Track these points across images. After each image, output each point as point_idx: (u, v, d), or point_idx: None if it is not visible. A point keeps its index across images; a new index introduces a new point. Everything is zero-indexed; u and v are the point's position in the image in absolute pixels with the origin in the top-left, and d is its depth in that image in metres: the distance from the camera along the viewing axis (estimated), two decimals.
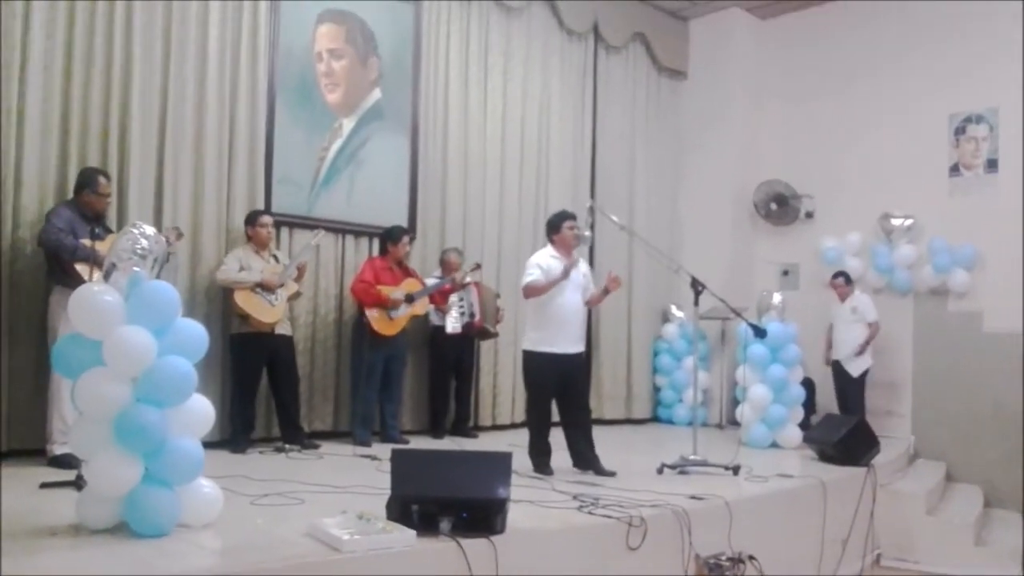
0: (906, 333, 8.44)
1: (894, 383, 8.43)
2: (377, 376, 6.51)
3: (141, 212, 5.67)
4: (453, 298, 6.99)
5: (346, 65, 7.09)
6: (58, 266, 4.90)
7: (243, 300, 5.85)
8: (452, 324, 6.94)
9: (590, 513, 4.06)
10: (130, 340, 3.23)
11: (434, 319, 7.11)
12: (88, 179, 5.12)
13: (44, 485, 4.15)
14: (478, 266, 7.19)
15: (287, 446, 5.95)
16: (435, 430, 7.13)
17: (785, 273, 9.44)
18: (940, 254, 8.10)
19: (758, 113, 9.76)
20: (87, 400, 3.25)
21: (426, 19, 7.57)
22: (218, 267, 5.99)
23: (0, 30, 5.11)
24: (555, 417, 5.56)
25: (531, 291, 5.36)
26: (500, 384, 7.88)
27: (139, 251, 3.38)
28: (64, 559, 2.98)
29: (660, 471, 5.47)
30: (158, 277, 3.51)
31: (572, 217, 5.59)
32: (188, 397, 3.38)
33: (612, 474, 5.23)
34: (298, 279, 6.21)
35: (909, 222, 8.41)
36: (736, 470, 5.52)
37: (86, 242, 4.76)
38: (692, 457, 5.61)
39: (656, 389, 9.41)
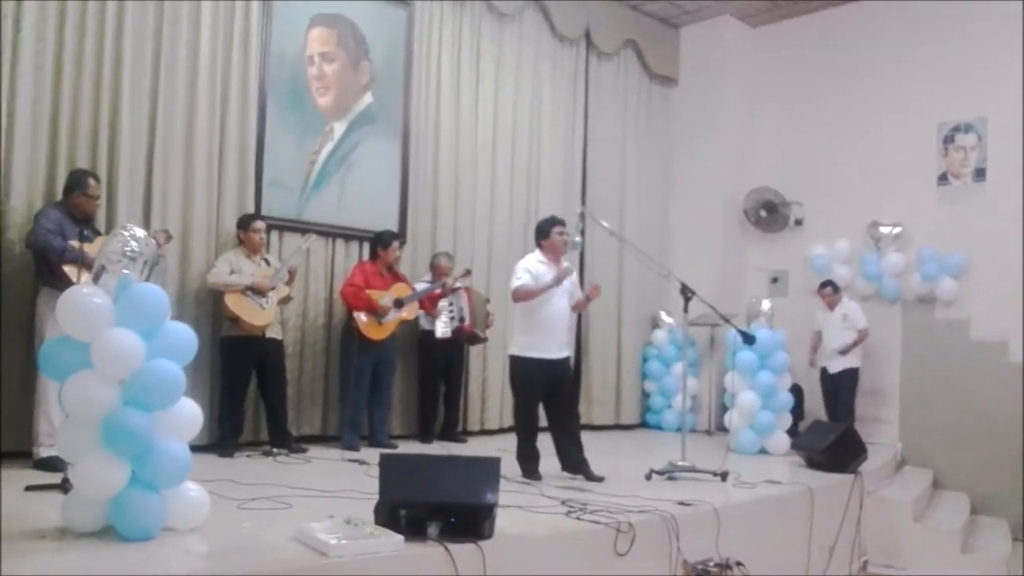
0: (894, 341, 8.48)
1: (881, 390, 8.47)
2: (366, 380, 6.50)
3: (130, 214, 5.66)
4: (443, 303, 6.98)
5: (338, 69, 7.08)
6: (46, 268, 4.88)
7: (234, 303, 5.84)
8: (442, 329, 6.94)
9: (578, 519, 4.06)
10: (118, 343, 3.22)
11: (424, 324, 7.10)
12: (77, 181, 5.10)
13: (30, 488, 4.13)
14: (468, 272, 7.20)
15: (275, 450, 5.93)
16: (424, 435, 7.12)
17: (774, 280, 9.48)
18: (928, 262, 8.14)
19: (749, 120, 9.80)
20: (74, 403, 3.24)
21: (418, 23, 7.58)
22: (208, 270, 5.97)
23: None
24: (543, 422, 5.57)
25: (521, 295, 5.36)
26: (489, 389, 7.88)
27: (129, 253, 3.37)
28: (50, 562, 2.96)
29: (648, 477, 5.50)
30: (148, 280, 3.50)
31: (561, 223, 5.60)
32: (176, 400, 3.37)
33: (601, 479, 5.24)
34: (289, 283, 6.20)
35: (897, 230, 8.45)
36: (724, 476, 5.54)
37: (74, 244, 4.74)
38: (680, 463, 5.63)
39: (645, 395, 9.43)
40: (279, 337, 6.21)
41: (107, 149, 5.66)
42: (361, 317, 6.41)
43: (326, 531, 3.22)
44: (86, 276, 3.87)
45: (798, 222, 9.32)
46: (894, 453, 7.96)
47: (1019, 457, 7.33)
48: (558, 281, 5.36)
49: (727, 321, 6.37)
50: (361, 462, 5.57)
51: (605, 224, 6.15)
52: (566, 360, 5.57)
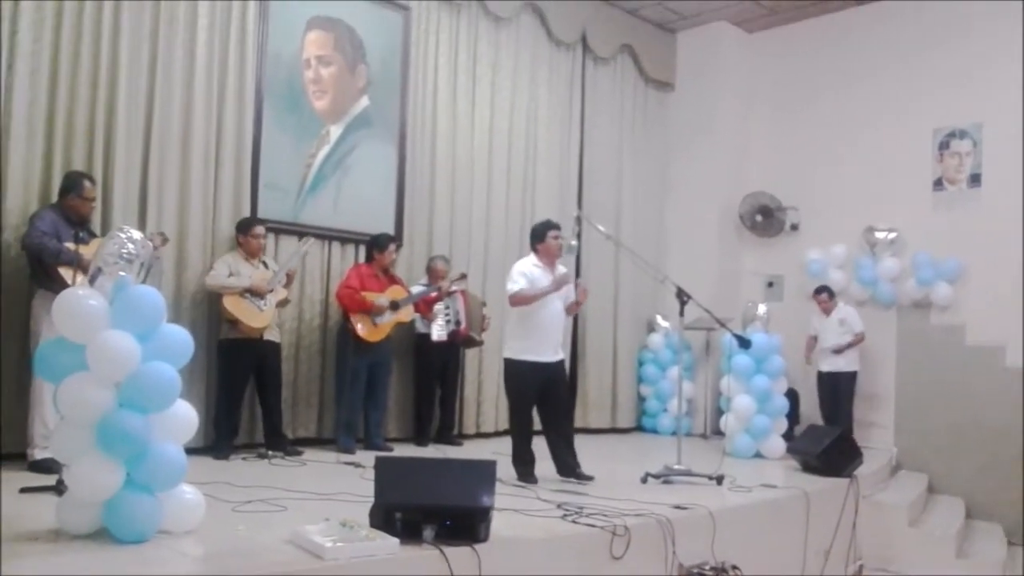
0: (889, 346, 8.49)
1: (877, 395, 8.49)
2: (361, 383, 6.49)
3: (126, 216, 5.64)
4: (439, 306, 6.97)
5: (334, 72, 7.08)
6: (41, 270, 4.87)
7: (232, 305, 5.83)
8: (438, 332, 6.94)
9: (574, 522, 4.06)
10: (114, 345, 3.22)
11: (420, 327, 7.09)
12: (73, 183, 5.09)
13: (25, 490, 4.11)
14: (464, 275, 7.19)
15: (270, 452, 5.91)
16: (419, 437, 7.11)
17: (770, 285, 9.49)
18: (923, 267, 8.17)
19: (744, 125, 9.82)
20: (69, 405, 3.23)
21: (415, 27, 7.58)
22: (205, 272, 5.96)
23: None
24: (538, 426, 5.57)
25: (520, 300, 5.37)
26: (485, 392, 7.88)
27: (126, 255, 3.37)
28: (44, 564, 2.95)
29: (644, 480, 5.49)
30: (144, 282, 3.50)
31: (556, 227, 5.61)
32: (172, 403, 3.37)
33: (590, 478, 5.28)
34: (287, 286, 6.19)
35: (893, 235, 8.48)
36: (720, 480, 5.54)
37: (70, 246, 4.73)
38: (676, 467, 5.62)
39: (641, 399, 9.43)
40: (277, 340, 6.20)
41: (103, 151, 5.65)
42: (357, 319, 6.40)
43: (321, 534, 3.21)
44: (81, 278, 3.86)
45: (794, 227, 9.34)
46: (889, 457, 7.97)
47: (1014, 462, 7.34)
48: (557, 287, 5.39)
49: (723, 325, 6.38)
50: (357, 465, 5.57)
51: (601, 228, 6.16)
52: (561, 363, 5.58)
